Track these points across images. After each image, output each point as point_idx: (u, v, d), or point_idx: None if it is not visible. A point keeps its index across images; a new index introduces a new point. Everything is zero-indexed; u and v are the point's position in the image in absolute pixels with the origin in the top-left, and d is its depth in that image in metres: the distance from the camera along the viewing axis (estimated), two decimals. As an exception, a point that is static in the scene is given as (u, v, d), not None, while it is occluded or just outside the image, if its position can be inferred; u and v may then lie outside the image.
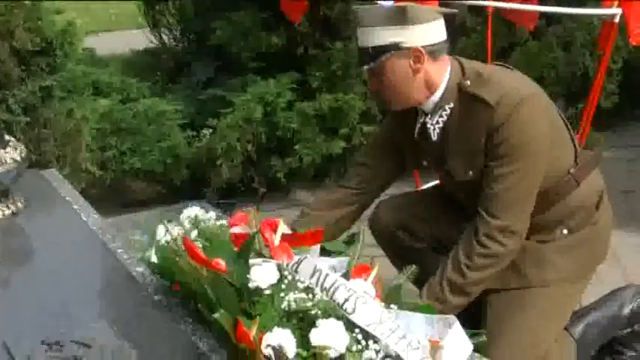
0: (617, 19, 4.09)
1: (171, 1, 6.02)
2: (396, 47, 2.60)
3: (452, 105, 2.67)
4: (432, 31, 2.63)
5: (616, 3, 4.07)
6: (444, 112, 2.69)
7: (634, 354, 3.09)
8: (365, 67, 2.67)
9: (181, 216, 2.60)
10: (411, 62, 2.62)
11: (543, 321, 2.76)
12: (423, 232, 2.98)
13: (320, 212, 2.95)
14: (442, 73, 2.67)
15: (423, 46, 2.60)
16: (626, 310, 3.08)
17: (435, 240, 2.97)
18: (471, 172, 2.68)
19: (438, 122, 2.72)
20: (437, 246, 2.96)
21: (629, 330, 3.10)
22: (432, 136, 2.73)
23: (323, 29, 4.86)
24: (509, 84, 2.60)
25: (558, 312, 2.81)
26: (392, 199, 3.14)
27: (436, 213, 2.98)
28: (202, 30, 5.38)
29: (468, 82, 2.64)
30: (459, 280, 2.61)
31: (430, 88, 2.67)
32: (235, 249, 2.30)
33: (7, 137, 3.12)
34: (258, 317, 2.05)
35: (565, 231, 2.76)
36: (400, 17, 2.60)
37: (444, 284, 2.62)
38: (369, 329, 2.06)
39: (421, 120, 2.75)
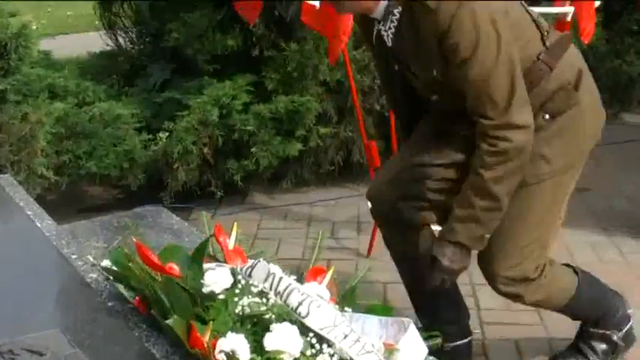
0: (569, 18, 4.15)
1: (127, 3, 5.98)
2: None
3: (399, 9, 2.68)
4: None
5: (568, 2, 4.13)
6: (394, 18, 2.70)
7: None
8: None
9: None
10: None
11: (543, 216, 2.85)
12: (423, 195, 2.93)
13: None
14: None
15: None
16: (617, 314, 3.14)
17: (438, 198, 2.92)
18: (434, 72, 2.68)
19: (390, 28, 2.73)
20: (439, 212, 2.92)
21: (601, 331, 3.14)
22: (388, 42, 2.76)
23: (278, 30, 4.85)
24: None
25: (556, 205, 2.88)
26: (384, 171, 3.12)
27: (428, 158, 2.93)
28: (158, 32, 5.35)
29: None
30: (477, 181, 2.64)
31: None
32: (189, 253, 2.30)
33: (-41, 143, 3.10)
34: (211, 322, 2.05)
35: (547, 116, 2.75)
36: None
37: (467, 189, 2.67)
38: (323, 333, 2.06)
39: (376, 28, 2.78)
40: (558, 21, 4.18)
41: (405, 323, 2.21)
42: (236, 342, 1.98)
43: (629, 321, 3.18)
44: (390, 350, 2.13)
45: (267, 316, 2.07)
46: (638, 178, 5.23)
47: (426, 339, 2.26)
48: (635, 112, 6.51)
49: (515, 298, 2.97)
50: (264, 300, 2.12)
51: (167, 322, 2.06)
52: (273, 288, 2.15)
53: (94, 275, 2.54)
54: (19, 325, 2.27)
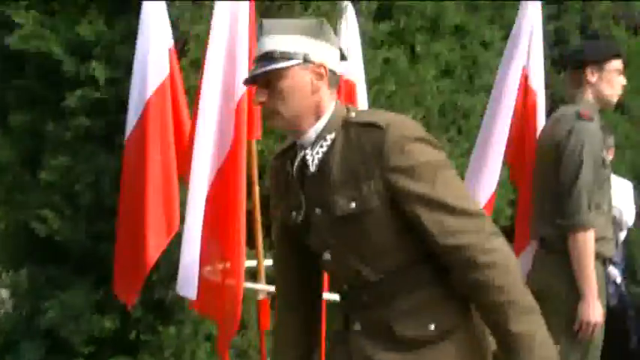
0: None
1: (5, 272, 5.88)
2: (304, 58, 2.54)
3: (333, 136, 2.57)
4: (336, 57, 2.61)
5: None
6: (324, 143, 2.58)
7: None
8: (262, 70, 2.55)
9: None
10: (313, 78, 2.55)
11: None
12: None
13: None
14: (330, 102, 2.59)
15: (327, 67, 2.57)
16: None
17: None
18: (353, 204, 2.54)
19: (317, 152, 2.59)
20: None
21: None
22: (311, 167, 2.60)
23: (156, 313, 4.82)
24: (391, 114, 2.59)
25: None
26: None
27: None
28: (34, 308, 5.25)
29: (354, 114, 2.58)
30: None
31: (318, 113, 2.57)
32: None
33: None
34: None
35: (432, 326, 2.57)
36: (315, 30, 2.58)
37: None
38: None
39: (301, 154, 2.62)
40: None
41: None
42: None
43: None
44: None
45: None
46: None
47: None
48: None
49: None
50: None
51: None
52: None
53: None
54: None
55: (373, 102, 5.79)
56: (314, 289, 2.86)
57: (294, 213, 2.66)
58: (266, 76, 2.56)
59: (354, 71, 5.48)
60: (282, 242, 2.82)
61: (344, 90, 5.37)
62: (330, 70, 2.57)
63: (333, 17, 5.50)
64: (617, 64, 4.19)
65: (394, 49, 6.04)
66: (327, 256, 2.64)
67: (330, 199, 2.57)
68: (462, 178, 6.06)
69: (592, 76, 4.14)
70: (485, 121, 4.35)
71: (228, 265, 3.92)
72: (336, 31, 5.37)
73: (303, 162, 2.61)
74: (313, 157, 2.59)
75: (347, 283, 2.66)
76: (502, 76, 4.41)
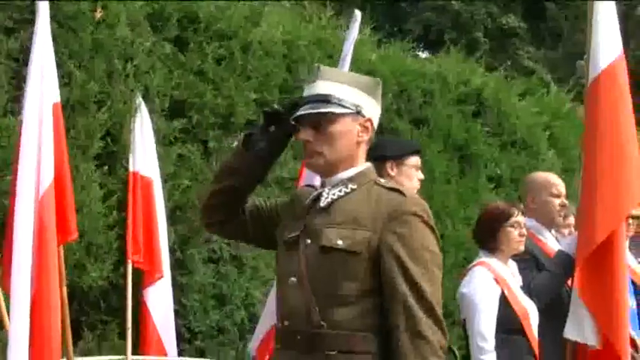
0: None
1: None
2: (357, 109, 2.71)
3: (355, 187, 2.73)
4: (378, 117, 2.81)
5: None
6: (344, 189, 2.73)
7: None
8: (317, 110, 2.66)
9: None
10: (359, 131, 2.73)
11: None
12: None
13: None
14: (364, 158, 2.78)
15: (374, 123, 2.76)
16: None
17: None
18: (341, 242, 2.65)
19: (334, 194, 2.73)
20: None
21: None
22: (322, 202, 2.73)
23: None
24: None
25: None
26: None
27: None
28: None
29: (383, 180, 2.79)
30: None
31: (352, 163, 2.75)
32: None
33: None
34: None
35: None
36: (371, 87, 2.76)
37: None
38: None
39: (320, 191, 2.76)
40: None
41: None
42: None
43: None
44: None
45: None
46: None
47: None
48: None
49: None
50: None
51: None
52: None
53: None
54: None
55: (169, 197, 5.88)
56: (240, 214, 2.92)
57: (287, 232, 2.78)
58: (317, 117, 2.71)
59: (150, 168, 5.56)
60: (263, 208, 2.93)
61: (140, 186, 5.45)
62: (374, 128, 2.80)
63: (127, 116, 5.59)
64: (415, 160, 4.44)
65: (187, 146, 6.16)
66: (293, 280, 2.73)
67: (321, 230, 2.71)
68: (257, 267, 6.23)
69: (392, 171, 4.37)
70: None
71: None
72: (130, 130, 5.47)
73: (318, 197, 2.76)
74: (328, 196, 2.75)
75: (290, 319, 2.74)
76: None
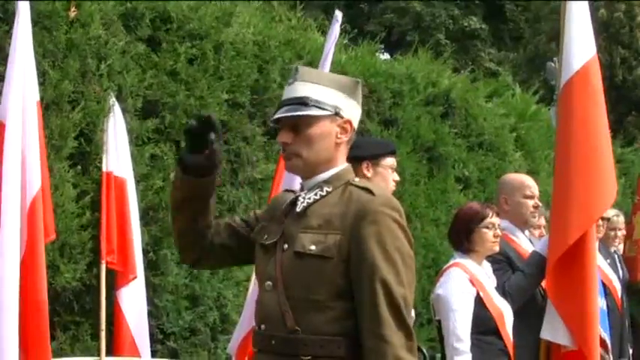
0: None
1: None
2: (335, 111, 2.72)
3: (330, 189, 2.75)
4: (358, 118, 2.82)
5: None
6: (319, 192, 2.75)
7: None
8: (294, 113, 2.67)
9: None
10: (338, 132, 2.75)
11: None
12: None
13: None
14: (343, 160, 2.79)
15: (353, 125, 2.76)
16: None
17: None
18: (313, 247, 2.67)
19: (310, 198, 2.75)
20: None
21: None
22: (297, 207, 2.76)
23: None
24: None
25: None
26: None
27: None
28: None
29: (357, 179, 2.80)
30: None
31: (329, 165, 2.77)
32: None
33: None
34: None
35: None
36: (350, 88, 2.77)
37: None
38: None
39: (296, 195, 2.80)
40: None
41: None
42: None
43: None
44: None
45: None
46: None
47: None
48: None
49: None
50: None
51: None
52: None
53: None
54: None
55: (142, 198, 5.86)
56: (210, 241, 2.90)
57: (266, 236, 2.80)
58: (295, 119, 2.71)
59: (123, 168, 5.54)
60: (237, 224, 2.91)
61: (114, 186, 5.42)
62: (353, 129, 2.81)
63: (100, 116, 5.56)
64: (391, 161, 4.45)
65: (160, 146, 6.13)
66: (269, 284, 2.75)
67: (296, 235, 2.73)
68: (229, 268, 6.23)
69: (367, 171, 4.37)
70: None
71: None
72: (103, 129, 5.44)
73: (295, 201, 2.79)
74: (304, 200, 2.77)
75: (266, 323, 2.75)
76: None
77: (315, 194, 2.77)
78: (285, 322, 2.68)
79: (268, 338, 2.73)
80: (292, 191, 2.93)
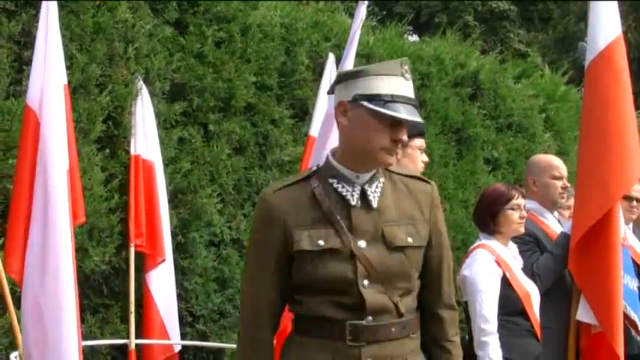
0: None
1: None
2: None
3: (382, 180, 2.89)
4: None
5: None
6: (379, 184, 2.87)
7: None
8: (418, 119, 2.83)
9: None
10: None
11: None
12: None
13: None
14: None
15: None
16: None
17: None
18: (410, 239, 2.85)
19: (375, 191, 2.86)
20: None
21: None
22: (373, 204, 2.86)
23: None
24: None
25: None
26: None
27: None
28: None
29: (393, 167, 2.97)
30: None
31: None
32: None
33: None
34: None
35: None
36: None
37: None
38: None
39: (357, 189, 2.86)
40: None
41: None
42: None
43: None
44: None
45: None
46: None
47: None
48: None
49: None
50: None
51: None
52: None
53: None
54: None
55: (170, 181, 5.88)
56: (278, 319, 2.98)
57: (321, 241, 2.82)
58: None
59: (151, 151, 5.55)
60: (268, 268, 2.88)
61: (142, 169, 5.43)
62: None
63: (128, 99, 5.57)
64: (419, 142, 4.44)
65: (188, 129, 6.15)
66: (365, 282, 2.84)
67: (387, 232, 2.86)
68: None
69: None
70: None
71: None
72: (130, 113, 5.46)
73: (364, 196, 2.87)
74: (374, 195, 2.88)
75: (374, 314, 2.87)
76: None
77: (377, 186, 2.89)
78: (399, 311, 2.89)
79: (384, 327, 2.88)
80: (289, 187, 2.89)
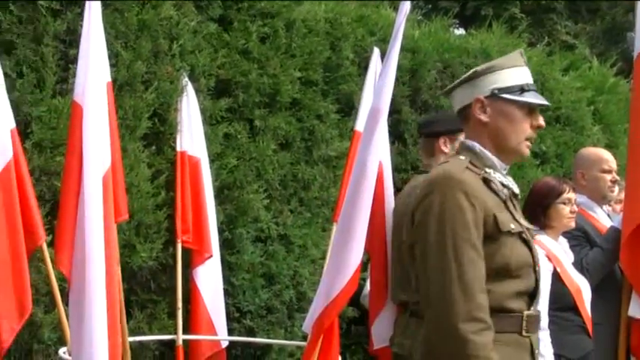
0: None
1: None
2: None
3: None
4: None
5: None
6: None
7: None
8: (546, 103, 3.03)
9: None
10: None
11: None
12: None
13: None
14: None
15: None
16: None
17: None
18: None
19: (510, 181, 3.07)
20: None
21: None
22: (515, 190, 3.09)
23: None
24: None
25: None
26: None
27: None
28: None
29: None
30: None
31: None
32: None
33: None
34: None
35: None
36: None
37: None
38: None
39: (505, 179, 3.05)
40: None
41: None
42: None
43: None
44: None
45: None
46: None
47: None
48: None
49: None
50: None
51: None
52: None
53: None
54: None
55: (216, 177, 5.90)
56: None
57: (512, 225, 2.98)
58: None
59: (198, 147, 5.56)
60: (476, 248, 2.91)
61: (188, 165, 5.44)
62: None
63: (174, 96, 5.59)
64: None
65: (234, 125, 6.15)
66: (537, 267, 3.10)
67: (524, 221, 3.09)
68: (305, 246, 6.24)
69: (445, 147, 4.33)
70: (348, 197, 4.23)
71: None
72: (176, 109, 5.48)
73: (506, 185, 3.05)
74: (512, 183, 3.11)
75: (539, 301, 3.13)
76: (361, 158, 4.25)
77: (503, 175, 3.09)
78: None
79: (539, 317, 3.13)
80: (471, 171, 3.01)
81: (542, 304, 3.93)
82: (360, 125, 5.57)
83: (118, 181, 4.44)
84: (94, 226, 3.82)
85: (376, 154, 4.16)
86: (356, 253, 4.09)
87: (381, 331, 4.36)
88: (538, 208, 4.70)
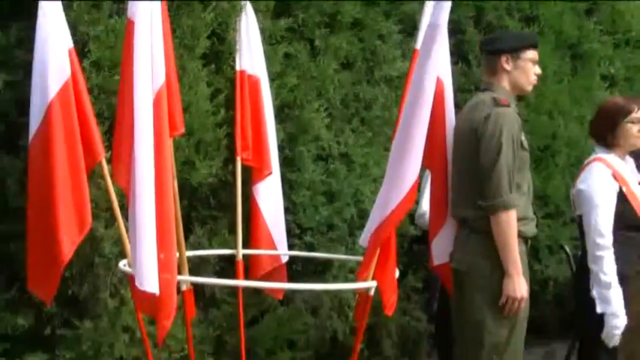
0: (372, 292, 4.31)
1: None
2: None
3: None
4: None
5: (371, 275, 4.30)
6: None
7: None
8: None
9: None
10: None
11: None
12: None
13: None
14: None
15: None
16: None
17: None
18: None
19: None
20: None
21: None
22: None
23: (71, 309, 4.83)
24: None
25: None
26: None
27: None
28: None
29: None
30: None
31: None
32: None
33: None
34: None
35: None
36: None
37: None
38: None
39: None
40: (361, 294, 4.38)
41: None
42: None
43: None
44: None
45: None
46: None
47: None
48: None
49: None
50: None
51: None
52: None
53: None
54: None
55: (276, 96, 5.93)
56: None
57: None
58: None
59: (257, 67, 5.59)
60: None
61: (248, 84, 5.48)
62: None
63: (232, 15, 5.61)
64: (532, 54, 4.33)
65: (294, 45, 6.16)
66: None
67: None
68: (366, 165, 6.25)
69: (507, 65, 4.27)
70: (405, 113, 4.22)
71: (162, 256, 3.94)
72: (235, 29, 5.49)
73: None
74: None
75: None
76: (419, 74, 4.20)
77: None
78: None
79: None
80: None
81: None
82: (419, 44, 5.51)
83: (173, 96, 4.49)
84: (143, 139, 3.89)
85: (434, 70, 4.14)
86: (413, 169, 4.11)
87: (441, 247, 4.41)
88: (606, 126, 4.66)
